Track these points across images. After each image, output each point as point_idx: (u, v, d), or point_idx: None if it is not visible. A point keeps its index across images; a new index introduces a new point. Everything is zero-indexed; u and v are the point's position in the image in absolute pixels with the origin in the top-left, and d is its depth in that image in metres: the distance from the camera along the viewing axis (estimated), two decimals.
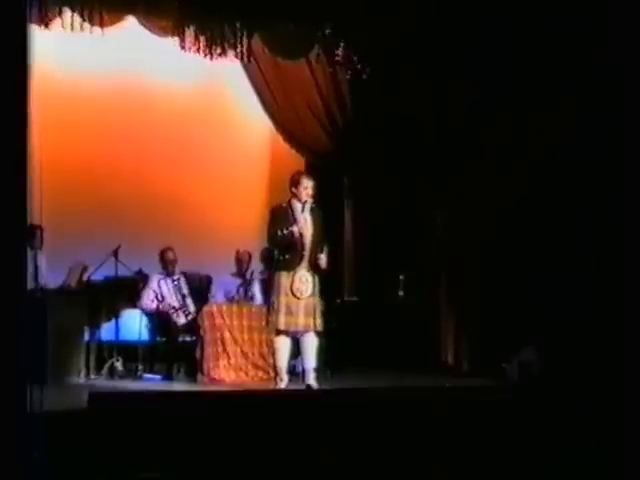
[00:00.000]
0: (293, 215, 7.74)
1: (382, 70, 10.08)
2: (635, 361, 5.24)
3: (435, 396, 7.31)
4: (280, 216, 7.76)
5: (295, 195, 7.79)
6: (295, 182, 7.81)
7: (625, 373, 5.36)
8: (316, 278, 7.77)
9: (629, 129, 5.69)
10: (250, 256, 9.74)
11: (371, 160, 10.53)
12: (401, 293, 10.36)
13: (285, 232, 7.62)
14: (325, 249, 7.81)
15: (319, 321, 7.81)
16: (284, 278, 7.71)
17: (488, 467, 6.02)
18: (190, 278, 9.43)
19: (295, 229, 7.66)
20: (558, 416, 6.70)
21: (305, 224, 7.75)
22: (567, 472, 5.95)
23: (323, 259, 7.75)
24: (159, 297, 9.13)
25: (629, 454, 5.10)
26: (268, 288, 8.07)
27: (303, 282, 7.70)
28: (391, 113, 10.23)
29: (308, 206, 7.78)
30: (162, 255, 9.28)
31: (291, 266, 7.71)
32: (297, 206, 7.77)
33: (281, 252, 7.74)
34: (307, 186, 7.75)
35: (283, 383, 7.84)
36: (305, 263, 7.73)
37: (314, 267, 7.74)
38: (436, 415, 6.54)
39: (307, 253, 7.72)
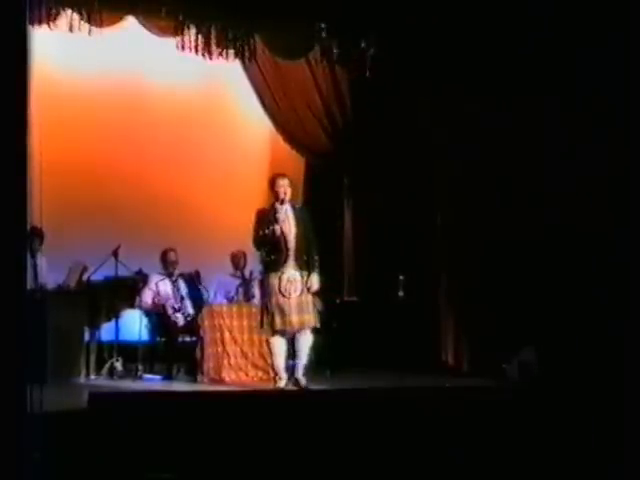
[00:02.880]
0: (274, 215, 7.81)
1: (382, 70, 10.07)
2: (635, 361, 5.24)
3: (435, 396, 7.31)
4: (262, 217, 7.87)
5: (275, 196, 7.89)
6: (271, 183, 7.97)
7: (625, 373, 5.36)
8: (305, 276, 7.81)
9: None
10: (245, 255, 9.71)
11: (371, 160, 10.53)
12: (401, 293, 10.36)
13: (266, 232, 7.73)
14: (316, 257, 7.87)
15: (315, 317, 7.85)
16: (272, 279, 7.80)
17: (488, 467, 6.02)
18: (188, 279, 9.40)
19: (277, 228, 7.75)
20: (558, 416, 6.70)
21: (287, 224, 7.83)
22: (567, 472, 5.95)
23: (314, 282, 7.83)
24: (157, 297, 9.11)
25: (629, 454, 5.10)
26: (260, 290, 8.14)
27: (291, 282, 7.77)
28: (391, 113, 10.23)
29: (288, 206, 7.87)
30: (163, 256, 9.26)
31: (277, 266, 7.79)
32: (278, 207, 7.86)
33: (267, 253, 7.86)
34: (282, 184, 7.86)
35: (282, 382, 7.88)
36: (292, 262, 7.81)
37: (306, 287, 7.80)
38: (436, 415, 6.54)
39: (292, 252, 7.81)
